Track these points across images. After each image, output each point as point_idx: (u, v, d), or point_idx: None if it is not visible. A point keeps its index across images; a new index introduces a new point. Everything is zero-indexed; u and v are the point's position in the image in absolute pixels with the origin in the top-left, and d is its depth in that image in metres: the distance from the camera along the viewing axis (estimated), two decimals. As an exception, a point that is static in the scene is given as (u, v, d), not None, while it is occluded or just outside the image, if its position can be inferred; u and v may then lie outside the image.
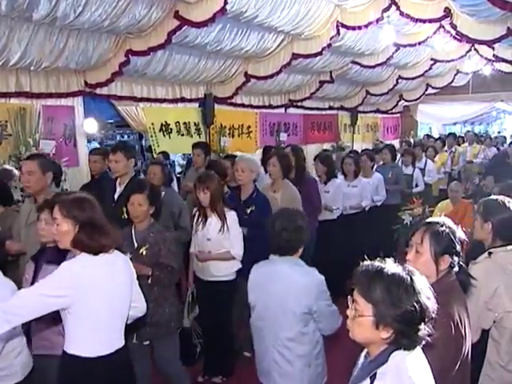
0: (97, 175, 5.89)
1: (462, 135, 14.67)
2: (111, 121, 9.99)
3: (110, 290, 2.65)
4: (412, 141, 13.90)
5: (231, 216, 4.31)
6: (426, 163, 9.32)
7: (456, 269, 2.40)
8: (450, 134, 12.90)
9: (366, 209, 6.93)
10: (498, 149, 13.15)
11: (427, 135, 14.51)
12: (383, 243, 6.62)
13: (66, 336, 2.67)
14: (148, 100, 8.48)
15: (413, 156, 8.71)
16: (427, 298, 1.74)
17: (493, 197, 3.22)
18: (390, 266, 1.78)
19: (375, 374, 1.75)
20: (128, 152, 4.58)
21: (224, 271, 4.34)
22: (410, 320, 1.71)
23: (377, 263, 1.80)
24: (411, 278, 1.75)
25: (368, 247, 6.56)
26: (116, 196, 4.55)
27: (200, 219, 4.37)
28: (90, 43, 6.55)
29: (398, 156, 9.17)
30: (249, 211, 4.63)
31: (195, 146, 6.41)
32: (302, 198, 5.35)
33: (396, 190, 7.79)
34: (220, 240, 4.27)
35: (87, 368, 2.62)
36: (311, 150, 12.19)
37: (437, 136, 14.74)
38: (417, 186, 8.47)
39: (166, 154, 7.66)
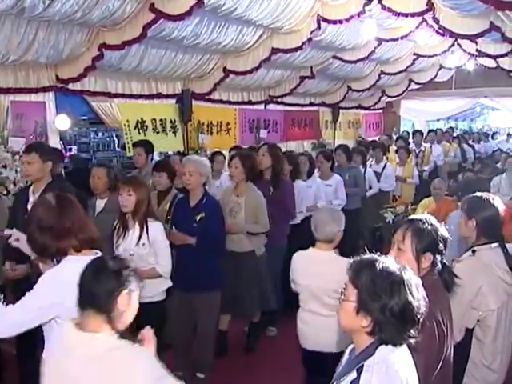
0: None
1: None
2: (85, 117, 9.87)
3: None
4: (394, 136, 13.91)
5: (156, 227, 3.84)
6: (384, 167, 8.42)
7: (439, 267, 2.41)
8: (415, 131, 12.22)
9: None
10: (471, 146, 13.21)
11: (386, 134, 13.80)
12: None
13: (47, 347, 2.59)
14: (123, 96, 8.40)
15: (363, 155, 8.02)
16: (416, 300, 1.77)
17: (477, 194, 3.25)
18: (387, 260, 1.85)
19: (362, 366, 1.79)
20: (44, 153, 4.11)
21: (151, 291, 3.71)
22: (389, 314, 1.75)
23: (375, 256, 1.88)
24: (401, 275, 1.80)
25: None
26: (30, 206, 3.76)
27: (121, 230, 3.87)
28: (61, 36, 6.45)
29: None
30: (198, 218, 4.24)
31: (136, 144, 6.06)
32: (276, 202, 5.15)
33: (356, 193, 7.25)
34: (144, 255, 3.79)
35: None
36: (291, 148, 12.20)
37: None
38: (370, 188, 7.84)
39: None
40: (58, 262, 2.63)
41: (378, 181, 8.14)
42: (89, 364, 1.96)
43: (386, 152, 9.05)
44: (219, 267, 4.45)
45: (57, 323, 2.52)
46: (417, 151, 10.56)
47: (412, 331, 1.77)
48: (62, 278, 2.48)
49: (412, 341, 1.79)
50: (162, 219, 4.31)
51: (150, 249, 3.80)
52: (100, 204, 4.67)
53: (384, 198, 8.03)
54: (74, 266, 2.53)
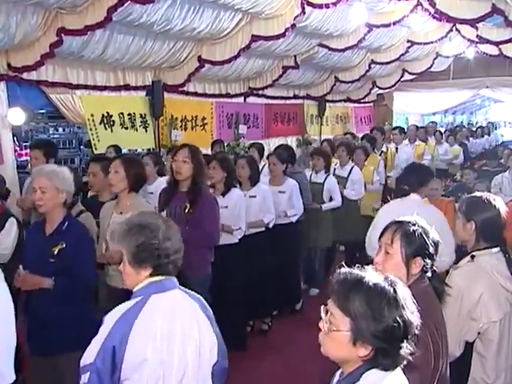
0: None
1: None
2: (42, 111, 9.80)
3: None
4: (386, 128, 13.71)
5: None
6: (350, 171, 7.51)
7: (429, 274, 2.42)
8: (374, 128, 10.67)
9: (270, 225, 5.91)
10: (460, 143, 13.12)
11: (350, 133, 12.15)
12: (288, 274, 6.38)
13: None
14: (86, 87, 8.32)
15: (327, 158, 7.11)
16: (411, 313, 1.74)
17: (476, 194, 3.26)
18: (371, 275, 1.78)
19: None
20: None
21: None
22: (392, 337, 1.70)
23: (356, 271, 1.80)
24: (394, 290, 1.75)
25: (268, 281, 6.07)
26: None
27: None
28: (13, 18, 6.31)
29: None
30: (56, 251, 3.42)
31: (33, 145, 5.62)
32: (194, 221, 4.40)
33: None
34: None
35: None
36: (274, 145, 12.19)
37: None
38: (331, 199, 6.99)
39: (117, 148, 7.53)
40: None
41: (344, 187, 7.32)
42: None
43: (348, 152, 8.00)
44: (92, 318, 3.41)
45: None
46: (377, 153, 9.25)
47: (409, 346, 1.73)
48: None
49: (410, 358, 1.74)
50: None
51: None
52: None
53: (352, 208, 7.43)
54: None
